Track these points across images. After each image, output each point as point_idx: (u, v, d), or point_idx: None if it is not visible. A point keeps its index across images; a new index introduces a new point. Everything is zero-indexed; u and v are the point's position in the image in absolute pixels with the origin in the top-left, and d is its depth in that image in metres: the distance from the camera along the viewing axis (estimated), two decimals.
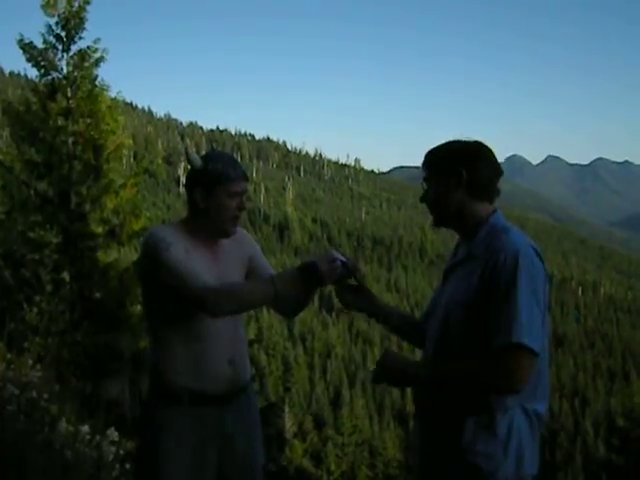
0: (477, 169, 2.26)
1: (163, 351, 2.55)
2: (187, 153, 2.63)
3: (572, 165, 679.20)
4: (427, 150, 2.37)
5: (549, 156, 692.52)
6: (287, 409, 42.03)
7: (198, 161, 2.56)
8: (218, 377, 2.55)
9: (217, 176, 2.52)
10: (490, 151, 2.31)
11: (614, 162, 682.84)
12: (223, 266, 2.62)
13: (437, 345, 2.27)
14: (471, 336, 2.15)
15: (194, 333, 2.53)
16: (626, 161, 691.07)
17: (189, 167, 2.62)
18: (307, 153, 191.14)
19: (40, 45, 11.00)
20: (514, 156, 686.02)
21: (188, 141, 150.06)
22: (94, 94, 11.09)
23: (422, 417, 2.34)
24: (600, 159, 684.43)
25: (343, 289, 2.59)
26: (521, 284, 2.07)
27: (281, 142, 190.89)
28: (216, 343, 2.55)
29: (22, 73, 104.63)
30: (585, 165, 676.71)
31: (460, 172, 2.25)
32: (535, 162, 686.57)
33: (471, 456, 2.12)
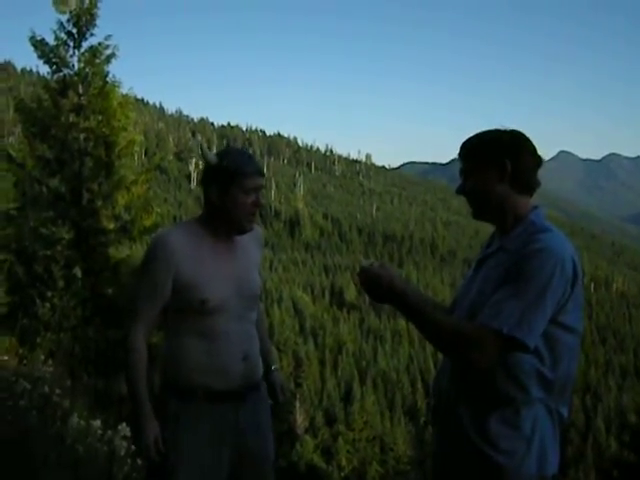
0: (521, 160, 2.16)
1: (177, 347, 2.55)
2: (202, 149, 2.62)
3: (584, 160, 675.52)
4: (464, 140, 2.25)
5: (561, 151, 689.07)
6: (298, 405, 42.12)
7: (213, 157, 2.55)
8: (233, 373, 2.54)
9: (232, 172, 2.50)
10: (530, 140, 2.22)
11: (626, 157, 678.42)
12: (240, 264, 2.62)
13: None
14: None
15: (208, 330, 2.52)
16: (638, 156, 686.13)
17: (204, 164, 2.61)
18: (318, 149, 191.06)
19: (52, 42, 11.06)
20: None
21: (199, 137, 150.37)
22: (105, 91, 11.13)
23: (439, 414, 2.30)
24: (612, 154, 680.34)
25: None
26: (535, 280, 1.99)
27: (292, 138, 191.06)
28: (231, 340, 2.55)
29: (34, 70, 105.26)
30: (597, 160, 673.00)
31: (504, 163, 2.15)
32: (547, 157, 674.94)
33: (494, 453, 2.07)
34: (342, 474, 34.56)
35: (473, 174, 2.23)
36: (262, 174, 2.60)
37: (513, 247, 2.12)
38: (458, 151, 2.28)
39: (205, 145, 2.82)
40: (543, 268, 2.01)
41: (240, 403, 2.59)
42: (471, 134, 2.28)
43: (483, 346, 1.99)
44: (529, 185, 2.21)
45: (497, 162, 2.17)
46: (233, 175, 2.50)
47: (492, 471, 2.09)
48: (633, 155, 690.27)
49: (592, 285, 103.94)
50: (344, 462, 36.50)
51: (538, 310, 2.00)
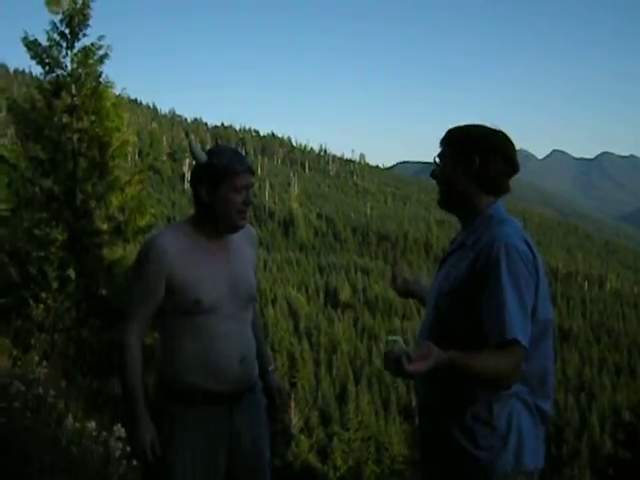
0: (490, 162, 2.19)
1: (173, 349, 2.52)
2: (191, 148, 2.60)
3: (577, 159, 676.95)
4: (449, 127, 2.30)
5: (554, 150, 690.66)
6: (293, 405, 42.11)
7: (203, 156, 2.53)
8: (229, 376, 2.52)
9: (222, 170, 2.49)
10: (511, 146, 2.24)
11: (620, 156, 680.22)
12: (234, 264, 2.60)
13: (430, 333, 2.25)
14: (460, 323, 2.13)
15: (204, 330, 2.50)
16: (632, 155, 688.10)
17: (194, 162, 2.59)
18: (312, 149, 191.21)
19: (44, 42, 11.02)
20: (519, 150, 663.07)
21: (193, 137, 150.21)
22: (99, 91, 11.10)
23: (422, 412, 2.33)
24: (605, 153, 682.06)
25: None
26: (503, 278, 2.02)
27: (286, 138, 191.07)
28: (227, 341, 2.53)
29: (27, 71, 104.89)
30: (590, 159, 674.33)
31: (473, 160, 2.19)
32: (540, 156, 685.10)
33: (473, 448, 2.09)
34: (337, 474, 34.57)
35: (445, 161, 2.28)
36: (252, 172, 2.58)
37: (471, 242, 2.17)
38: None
39: (194, 143, 2.80)
40: (504, 262, 2.04)
41: (236, 405, 2.57)
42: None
43: (516, 366, 2.02)
44: (495, 187, 2.23)
45: (467, 156, 2.20)
46: (223, 173, 2.49)
47: (471, 466, 2.11)
48: (626, 154, 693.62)
49: (586, 284, 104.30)
50: (339, 462, 36.51)
51: (520, 308, 2.03)
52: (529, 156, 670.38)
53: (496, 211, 2.22)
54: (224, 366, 2.52)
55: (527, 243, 2.12)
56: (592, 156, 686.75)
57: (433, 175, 2.32)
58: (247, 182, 2.54)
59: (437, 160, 2.32)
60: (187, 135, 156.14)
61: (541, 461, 2.19)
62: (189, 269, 2.49)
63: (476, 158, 2.19)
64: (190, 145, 2.68)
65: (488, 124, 2.27)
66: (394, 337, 1.96)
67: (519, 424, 2.12)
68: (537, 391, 2.15)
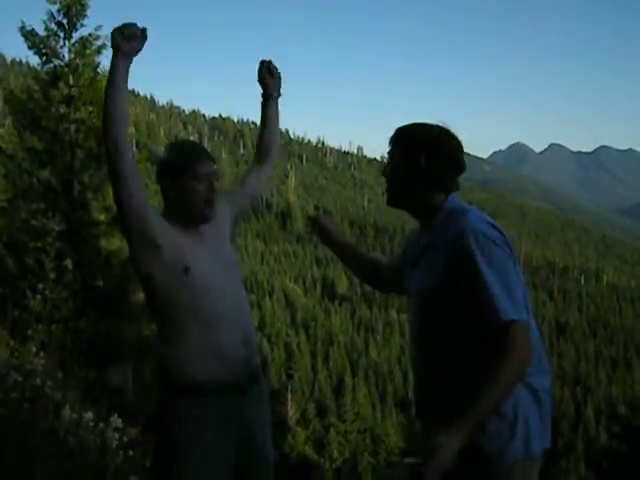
0: (436, 161, 2.21)
1: (173, 341, 2.47)
2: (150, 150, 2.64)
3: (575, 153, 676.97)
4: (398, 126, 2.32)
5: (552, 144, 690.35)
6: (290, 396, 42.20)
7: (161, 153, 2.60)
8: (234, 361, 2.49)
9: (181, 162, 2.53)
10: (458, 146, 2.25)
11: (618, 150, 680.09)
12: (212, 244, 2.60)
13: (421, 335, 2.25)
14: (450, 319, 2.13)
15: (202, 315, 2.46)
16: (630, 149, 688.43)
17: (156, 162, 2.63)
18: (309, 141, 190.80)
19: (42, 32, 11.00)
20: (517, 144, 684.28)
21: (190, 129, 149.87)
22: (96, 82, 11.08)
23: (424, 408, 2.31)
24: (604, 147, 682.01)
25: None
26: (481, 267, 2.03)
27: (284, 130, 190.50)
28: (227, 324, 2.48)
29: (24, 61, 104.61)
30: (588, 153, 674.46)
31: (419, 158, 2.21)
32: (538, 150, 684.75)
33: (478, 438, 2.06)
34: (334, 465, 34.68)
35: (393, 160, 2.30)
36: (212, 159, 2.60)
37: (439, 239, 2.18)
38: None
39: (153, 146, 2.82)
40: (477, 250, 2.04)
41: (244, 396, 2.54)
42: (458, 127, 2.30)
43: (525, 344, 2.01)
44: (443, 185, 2.25)
45: (413, 155, 2.22)
46: (182, 164, 2.52)
47: (480, 455, 2.09)
48: (624, 148, 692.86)
49: (582, 277, 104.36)
50: (336, 454, 36.61)
51: (504, 288, 2.02)
52: (527, 150, 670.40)
53: (453, 204, 2.23)
54: (228, 351, 2.48)
55: (493, 226, 2.12)
56: (590, 150, 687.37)
57: (383, 174, 2.34)
58: (208, 170, 2.55)
59: (386, 159, 2.34)
60: (185, 126, 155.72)
61: (547, 443, 2.19)
62: (174, 237, 2.50)
63: (422, 157, 2.21)
64: (148, 147, 2.70)
65: (441, 123, 2.28)
66: (410, 459, 1.93)
67: (525, 411, 2.12)
68: (536, 369, 2.14)
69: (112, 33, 2.42)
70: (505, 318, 1.99)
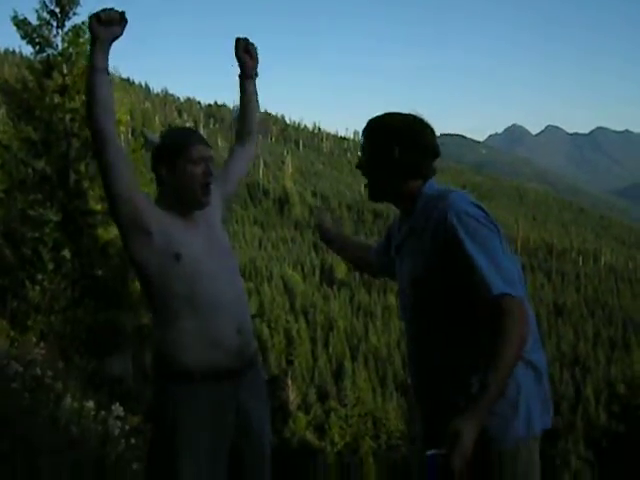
0: (410, 150, 2.21)
1: (168, 327, 2.47)
2: (144, 135, 2.63)
3: (572, 135, 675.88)
4: (369, 117, 2.32)
5: (549, 126, 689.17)
6: (290, 382, 42.32)
7: (155, 138, 2.60)
8: (229, 348, 2.48)
9: (176, 146, 2.52)
10: (431, 132, 2.26)
11: (614, 131, 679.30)
12: (205, 230, 2.60)
13: (417, 322, 2.25)
14: (445, 303, 2.13)
15: (197, 302, 2.45)
16: (626, 130, 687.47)
17: (151, 149, 2.62)
18: (306, 127, 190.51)
19: (34, 22, 10.94)
20: (514, 126, 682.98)
21: (186, 116, 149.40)
22: None
23: (424, 393, 2.30)
24: (600, 128, 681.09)
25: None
26: (466, 245, 2.02)
27: (280, 116, 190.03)
28: (222, 311, 2.49)
29: (17, 50, 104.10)
30: (585, 134, 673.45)
31: (392, 148, 2.21)
32: (535, 132, 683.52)
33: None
34: (335, 449, 34.81)
35: (366, 152, 2.30)
36: (207, 144, 2.60)
37: (421, 224, 2.17)
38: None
39: (148, 131, 2.82)
40: (461, 229, 2.04)
41: (240, 380, 2.54)
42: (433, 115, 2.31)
43: (522, 317, 1.97)
44: (419, 173, 2.25)
45: (387, 146, 2.22)
46: (178, 148, 2.51)
47: (482, 434, 2.01)
48: (621, 129, 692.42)
49: (580, 259, 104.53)
50: (337, 438, 36.72)
51: (491, 263, 2.00)
52: (523, 132, 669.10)
53: (432, 189, 2.23)
54: (222, 338, 2.48)
55: (477, 205, 2.12)
56: (587, 131, 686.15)
57: (358, 167, 2.35)
58: (204, 153, 2.55)
59: (360, 153, 2.34)
60: (180, 114, 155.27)
61: (548, 422, 2.19)
62: (165, 223, 2.49)
63: (395, 148, 2.21)
64: (142, 133, 2.70)
65: (411, 112, 2.28)
66: (433, 451, 1.91)
67: (527, 390, 2.12)
68: (534, 345, 2.13)
69: (89, 19, 2.40)
70: (496, 292, 1.96)
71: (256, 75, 2.97)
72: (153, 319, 2.59)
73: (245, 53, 2.90)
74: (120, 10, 2.42)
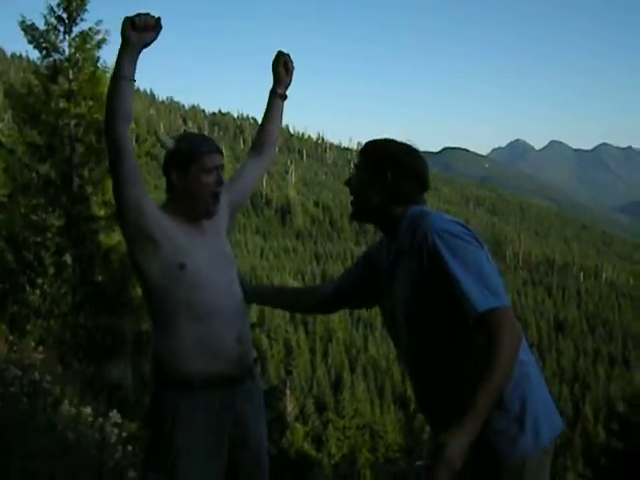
0: (402, 180, 2.25)
1: (168, 335, 2.47)
2: (158, 137, 2.62)
3: (575, 150, 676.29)
4: (368, 140, 2.38)
5: (552, 141, 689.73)
6: (288, 392, 42.25)
7: (170, 142, 2.56)
8: (229, 357, 2.48)
9: (190, 152, 2.50)
10: (424, 166, 2.31)
11: (617, 148, 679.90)
12: (211, 238, 2.59)
13: (414, 346, 2.23)
14: (441, 323, 2.13)
15: (197, 310, 2.46)
16: (630, 147, 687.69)
17: (164, 152, 2.59)
18: (309, 137, 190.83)
19: (42, 26, 10.97)
20: (517, 141, 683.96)
21: (190, 124, 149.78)
22: (96, 76, 11.06)
23: (437, 421, 2.26)
24: (604, 144, 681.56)
25: None
26: (448, 262, 2.03)
27: (284, 126, 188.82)
28: (222, 320, 2.49)
29: (24, 55, 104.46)
30: (588, 150, 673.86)
31: (386, 175, 2.25)
32: (538, 147, 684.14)
33: (487, 435, 2.02)
34: (332, 461, 34.71)
35: (359, 172, 2.34)
36: (221, 152, 2.59)
37: (407, 245, 2.19)
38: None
39: (161, 133, 2.79)
40: (442, 247, 2.05)
41: (237, 388, 2.54)
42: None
43: (510, 330, 1.98)
44: (407, 201, 2.28)
45: (381, 172, 2.26)
46: (191, 155, 2.50)
47: (489, 452, 2.07)
48: (624, 145, 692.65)
49: (581, 275, 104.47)
50: (334, 449, 36.61)
51: (475, 280, 2.01)
52: (527, 147, 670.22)
53: (415, 209, 2.25)
54: (222, 347, 2.48)
55: (457, 223, 2.14)
56: (590, 147, 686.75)
57: (347, 184, 2.38)
58: (216, 162, 2.54)
59: (352, 170, 2.38)
60: (185, 122, 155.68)
61: (557, 430, 2.18)
62: (171, 232, 2.48)
63: (389, 175, 2.25)
64: (156, 134, 2.68)
65: (407, 141, 2.34)
66: (420, 463, 1.94)
67: (533, 403, 2.11)
68: (523, 348, 2.10)
69: (122, 23, 2.33)
70: (480, 309, 1.98)
71: (285, 97, 2.97)
72: (153, 326, 2.58)
73: (283, 68, 2.90)
74: (156, 16, 2.37)
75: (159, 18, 2.37)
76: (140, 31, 2.34)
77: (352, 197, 2.36)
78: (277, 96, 2.94)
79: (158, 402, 2.52)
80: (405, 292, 2.20)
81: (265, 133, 2.95)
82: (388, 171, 2.25)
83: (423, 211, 2.22)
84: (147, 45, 2.39)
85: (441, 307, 2.11)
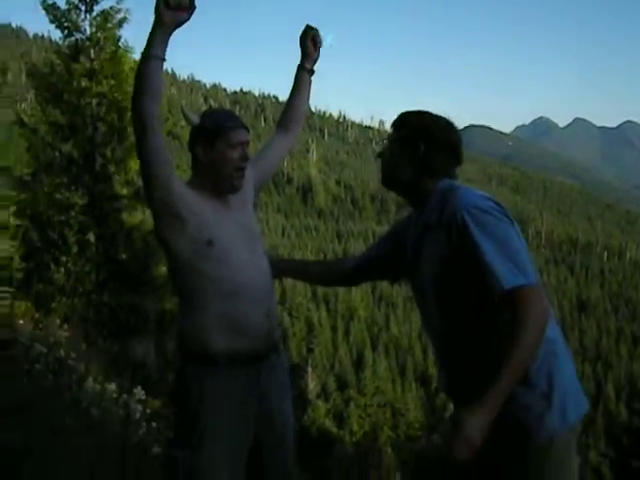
0: (435, 151, 2.23)
1: (196, 312, 2.46)
2: (183, 112, 2.60)
3: (600, 128, 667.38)
4: (402, 111, 2.35)
5: (576, 118, 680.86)
6: (310, 370, 42.45)
7: (196, 118, 2.55)
8: (258, 333, 2.48)
9: (216, 128, 2.50)
10: (458, 139, 2.28)
11: None
12: (237, 214, 2.59)
13: (443, 322, 2.21)
14: (469, 298, 2.11)
15: (228, 287, 2.45)
16: None
17: (190, 127, 2.57)
18: (331, 115, 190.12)
19: (63, 6, 10.99)
20: (541, 118, 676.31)
21: (212, 102, 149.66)
22: (117, 55, 11.08)
23: (459, 395, 2.25)
24: (629, 122, 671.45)
25: None
26: (476, 238, 2.01)
27: None
28: (250, 297, 2.48)
29: (46, 35, 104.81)
30: (613, 128, 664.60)
31: (419, 146, 2.23)
32: (562, 125, 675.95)
33: (513, 411, 2.02)
34: (354, 439, 34.90)
35: (392, 144, 2.32)
36: (246, 128, 2.59)
37: (435, 219, 2.17)
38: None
39: (186, 107, 2.78)
40: (471, 223, 2.03)
41: (264, 364, 2.53)
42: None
43: (536, 308, 1.95)
44: (438, 172, 2.25)
45: (413, 142, 2.24)
46: (217, 130, 2.50)
47: (514, 428, 2.06)
48: None
49: (605, 254, 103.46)
50: (355, 427, 36.80)
51: (501, 255, 1.99)
52: (551, 124, 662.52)
53: (445, 183, 2.23)
54: (252, 323, 2.47)
55: (487, 198, 2.11)
56: (615, 125, 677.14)
57: (380, 155, 2.36)
58: (242, 138, 2.54)
59: (386, 141, 2.36)
60: (206, 100, 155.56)
61: (584, 409, 2.16)
62: (197, 208, 2.48)
63: (421, 146, 2.22)
64: (182, 109, 2.67)
65: (442, 114, 2.30)
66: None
67: (560, 380, 2.09)
68: (550, 326, 2.07)
69: (156, 1, 2.32)
70: (507, 286, 1.95)
71: (313, 72, 2.94)
72: (180, 302, 2.57)
73: (311, 42, 2.87)
74: None
75: None
76: (174, 10, 2.32)
77: (383, 167, 2.34)
78: (305, 70, 2.91)
79: (183, 379, 2.52)
80: (433, 267, 2.18)
81: (292, 109, 2.93)
82: (421, 143, 2.22)
83: (453, 186, 2.19)
84: (180, 25, 2.37)
85: (469, 283, 2.08)
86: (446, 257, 2.12)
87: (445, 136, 2.26)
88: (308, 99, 2.97)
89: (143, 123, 2.38)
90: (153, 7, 2.34)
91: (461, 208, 2.06)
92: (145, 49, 2.37)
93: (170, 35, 2.38)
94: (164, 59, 2.38)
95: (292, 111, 2.94)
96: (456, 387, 2.28)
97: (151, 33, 2.36)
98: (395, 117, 2.36)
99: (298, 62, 2.92)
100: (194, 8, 2.37)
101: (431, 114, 2.30)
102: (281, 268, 2.86)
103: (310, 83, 2.95)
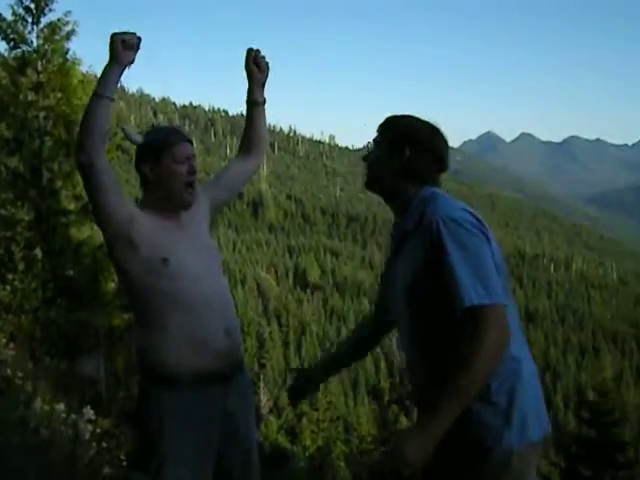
0: (420, 156, 2.21)
1: (152, 329, 2.41)
2: (125, 132, 2.58)
3: (545, 143, 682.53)
4: (389, 115, 2.33)
5: (522, 133, 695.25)
6: (262, 385, 42.23)
7: (138, 137, 2.53)
8: (217, 350, 2.42)
9: (160, 145, 2.48)
10: (444, 145, 2.27)
11: (587, 140, 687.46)
12: (191, 231, 2.55)
13: (411, 328, 2.21)
14: (437, 304, 2.08)
15: (183, 300, 2.41)
16: (598, 139, 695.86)
17: (135, 147, 2.56)
18: (281, 130, 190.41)
19: (9, 17, 10.81)
20: (488, 133, 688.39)
21: (161, 117, 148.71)
22: (65, 68, 10.93)
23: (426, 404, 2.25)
24: (573, 137, 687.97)
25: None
26: (449, 250, 2.00)
27: None
28: (208, 311, 2.43)
29: None
30: (558, 143, 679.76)
31: (403, 150, 2.21)
32: (509, 139, 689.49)
33: (471, 429, 2.02)
34: (307, 453, 34.80)
35: (377, 147, 2.30)
36: (190, 142, 2.57)
37: (412, 226, 2.16)
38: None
39: (128, 127, 2.76)
40: (446, 235, 2.01)
41: (228, 384, 2.49)
42: (432, 117, 2.30)
43: (496, 328, 1.93)
44: (422, 180, 2.24)
45: (399, 147, 2.22)
46: (161, 147, 2.47)
47: (472, 445, 2.05)
48: (593, 137, 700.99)
49: (552, 265, 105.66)
50: (309, 442, 36.66)
51: (471, 271, 1.98)
52: (498, 139, 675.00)
53: (427, 191, 2.21)
54: (210, 340, 2.42)
55: (466, 211, 2.10)
56: (560, 140, 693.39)
57: (365, 159, 2.34)
58: (187, 152, 2.52)
59: (371, 145, 2.34)
60: (155, 115, 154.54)
61: (545, 429, 2.15)
62: (150, 231, 2.44)
63: (407, 150, 2.21)
64: (123, 129, 2.65)
65: (428, 119, 2.28)
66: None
67: (521, 398, 2.07)
68: (516, 344, 2.08)
69: (112, 38, 2.30)
70: (468, 303, 1.94)
71: (263, 102, 2.85)
72: (136, 321, 2.52)
73: (254, 65, 2.78)
74: (138, 35, 2.36)
75: (140, 38, 2.36)
76: (131, 50, 2.33)
77: (368, 170, 2.31)
78: (255, 105, 2.84)
79: (144, 402, 2.46)
80: (406, 274, 2.16)
81: (250, 137, 2.87)
82: (406, 147, 2.21)
83: (434, 194, 2.18)
84: (130, 64, 2.38)
85: (439, 294, 2.06)
86: (418, 266, 2.10)
87: (431, 141, 2.24)
88: (265, 125, 2.91)
89: (91, 170, 2.34)
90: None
91: (438, 219, 2.05)
92: (97, 88, 2.35)
93: (121, 76, 2.38)
94: (114, 99, 2.38)
95: (250, 138, 2.88)
96: (425, 399, 2.23)
97: (106, 73, 2.34)
98: (381, 121, 2.33)
99: (246, 95, 2.83)
100: (139, 49, 2.38)
101: (417, 119, 2.28)
102: (327, 368, 2.73)
103: (264, 111, 2.88)
